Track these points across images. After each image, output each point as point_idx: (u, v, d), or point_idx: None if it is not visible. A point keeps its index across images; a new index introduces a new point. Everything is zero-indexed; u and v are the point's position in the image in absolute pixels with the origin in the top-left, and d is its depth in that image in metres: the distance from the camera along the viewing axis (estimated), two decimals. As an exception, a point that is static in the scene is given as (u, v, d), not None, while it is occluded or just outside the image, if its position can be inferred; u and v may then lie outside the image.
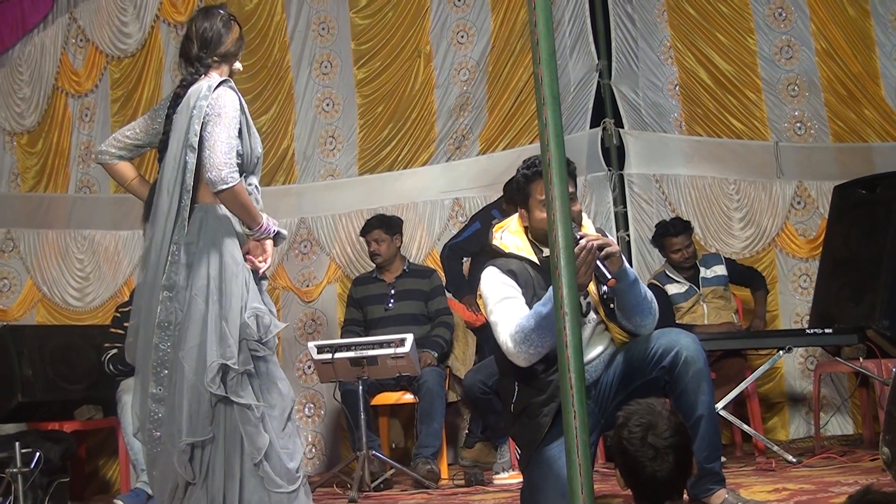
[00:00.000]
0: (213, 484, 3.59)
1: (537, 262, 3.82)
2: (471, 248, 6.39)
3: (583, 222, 3.85)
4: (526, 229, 3.93)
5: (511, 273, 3.80)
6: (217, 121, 3.66)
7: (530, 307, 3.73)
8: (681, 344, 3.61)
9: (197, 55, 3.83)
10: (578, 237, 3.50)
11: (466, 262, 6.51)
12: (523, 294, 3.78)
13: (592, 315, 3.81)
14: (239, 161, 3.71)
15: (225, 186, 3.60)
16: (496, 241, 3.96)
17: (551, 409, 3.68)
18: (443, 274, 6.53)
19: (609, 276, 3.58)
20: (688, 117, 7.11)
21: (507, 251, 3.89)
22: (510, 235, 3.95)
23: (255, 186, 3.86)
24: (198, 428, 3.59)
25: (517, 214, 3.99)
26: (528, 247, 3.88)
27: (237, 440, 3.60)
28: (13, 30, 7.46)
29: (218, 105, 3.69)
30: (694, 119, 7.10)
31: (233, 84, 3.80)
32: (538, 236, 3.86)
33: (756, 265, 6.77)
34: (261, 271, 3.74)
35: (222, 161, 3.60)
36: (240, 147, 3.73)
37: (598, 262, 3.57)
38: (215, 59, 3.83)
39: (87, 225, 7.42)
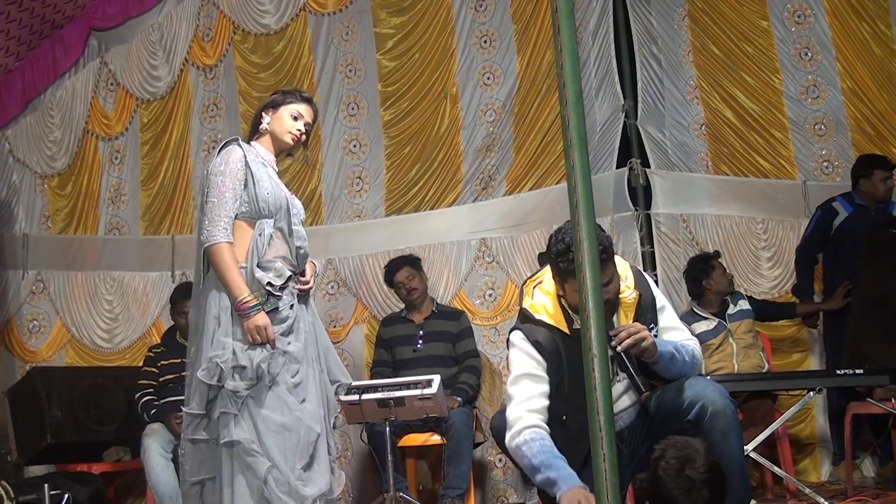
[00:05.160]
0: None
1: (567, 333, 3.73)
2: (816, 239, 6.50)
3: (619, 271, 3.80)
4: (559, 295, 3.81)
5: (537, 344, 3.73)
6: (210, 182, 3.96)
7: (555, 381, 3.70)
8: (707, 398, 3.52)
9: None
10: (609, 336, 3.44)
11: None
12: (548, 368, 3.71)
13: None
14: (245, 209, 3.95)
15: (206, 244, 3.88)
16: (527, 302, 3.87)
17: (576, 459, 3.65)
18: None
19: (643, 390, 3.58)
20: (714, 157, 7.09)
21: (536, 316, 3.80)
22: (542, 296, 3.84)
23: (282, 230, 4.01)
24: (203, 467, 3.82)
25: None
26: (560, 314, 3.77)
27: (245, 477, 3.72)
28: (45, 74, 7.58)
29: (213, 166, 3.98)
30: (720, 158, 7.08)
31: (239, 140, 4.07)
32: (571, 307, 3.75)
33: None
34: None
35: (206, 221, 3.89)
36: (246, 197, 3.95)
37: (630, 369, 3.53)
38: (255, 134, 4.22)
39: (117, 266, 7.49)
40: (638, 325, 3.61)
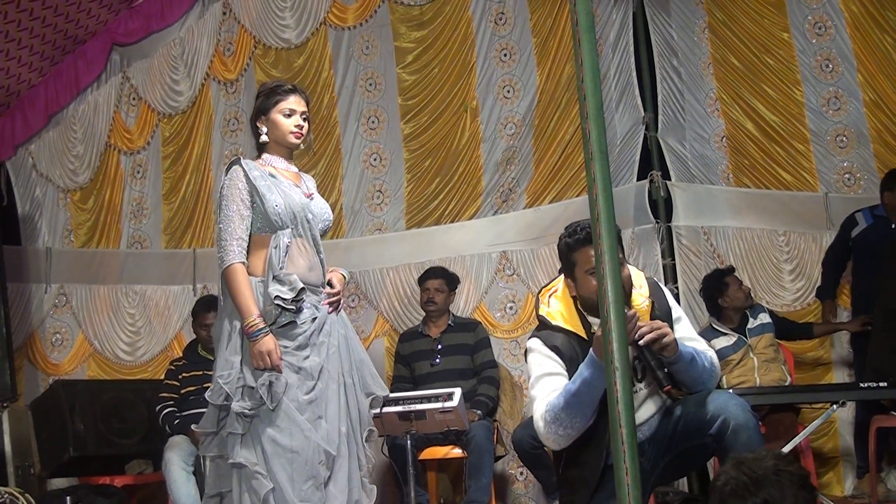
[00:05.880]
0: None
1: (585, 338, 3.71)
2: (837, 247, 6.52)
3: (633, 280, 3.78)
4: (574, 298, 3.81)
5: (555, 349, 3.72)
6: (219, 206, 3.97)
7: None
8: (729, 412, 3.49)
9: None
10: (628, 315, 3.39)
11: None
12: (567, 371, 3.68)
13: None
14: (259, 225, 3.92)
15: (221, 268, 3.86)
16: (543, 310, 3.86)
17: (594, 468, 3.62)
18: None
19: (665, 384, 3.53)
20: (735, 169, 7.07)
21: (553, 323, 3.79)
22: (557, 302, 3.83)
23: (303, 238, 3.97)
24: (221, 482, 3.83)
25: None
26: (576, 319, 3.76)
27: (250, 497, 3.73)
28: (67, 89, 7.63)
29: (220, 190, 3.99)
30: (741, 171, 7.05)
31: (242, 159, 4.01)
32: (587, 306, 3.74)
33: (808, 318, 6.68)
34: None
35: (219, 247, 3.88)
36: (256, 214, 3.92)
37: (651, 363, 3.50)
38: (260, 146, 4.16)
39: (139, 280, 7.53)
40: (660, 321, 3.61)
